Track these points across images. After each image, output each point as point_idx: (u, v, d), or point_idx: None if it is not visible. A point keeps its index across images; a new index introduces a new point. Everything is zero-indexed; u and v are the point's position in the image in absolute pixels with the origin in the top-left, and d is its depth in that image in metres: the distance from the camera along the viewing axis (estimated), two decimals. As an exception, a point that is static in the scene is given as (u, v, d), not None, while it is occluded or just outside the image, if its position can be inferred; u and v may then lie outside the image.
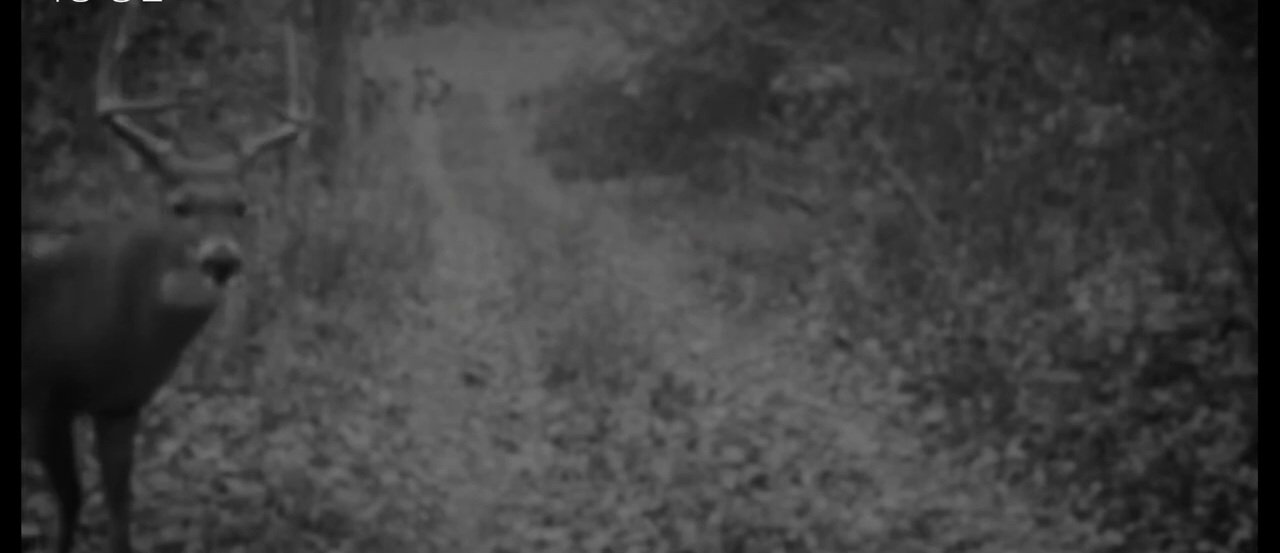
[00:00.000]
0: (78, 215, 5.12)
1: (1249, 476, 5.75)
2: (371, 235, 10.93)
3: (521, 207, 16.17)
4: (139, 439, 5.86)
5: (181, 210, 4.48)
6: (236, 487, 5.84)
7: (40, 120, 7.41)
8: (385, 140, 17.30)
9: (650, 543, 5.92)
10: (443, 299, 11.13)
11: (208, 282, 4.38)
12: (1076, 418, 6.77)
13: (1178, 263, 7.68)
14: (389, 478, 6.34)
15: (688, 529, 5.93)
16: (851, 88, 11.95)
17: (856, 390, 8.36)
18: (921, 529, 6.08)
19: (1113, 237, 8.44)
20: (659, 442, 7.15)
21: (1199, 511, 5.81)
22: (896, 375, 8.25)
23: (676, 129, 17.59)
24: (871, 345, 8.81)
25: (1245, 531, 5.61)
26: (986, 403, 7.37)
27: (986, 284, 8.62)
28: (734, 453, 6.91)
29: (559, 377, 8.45)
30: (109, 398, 4.80)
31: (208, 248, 4.36)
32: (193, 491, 5.74)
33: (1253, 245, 6.81)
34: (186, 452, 6.12)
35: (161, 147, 4.59)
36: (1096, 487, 6.25)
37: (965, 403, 7.48)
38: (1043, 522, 6.21)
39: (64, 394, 4.69)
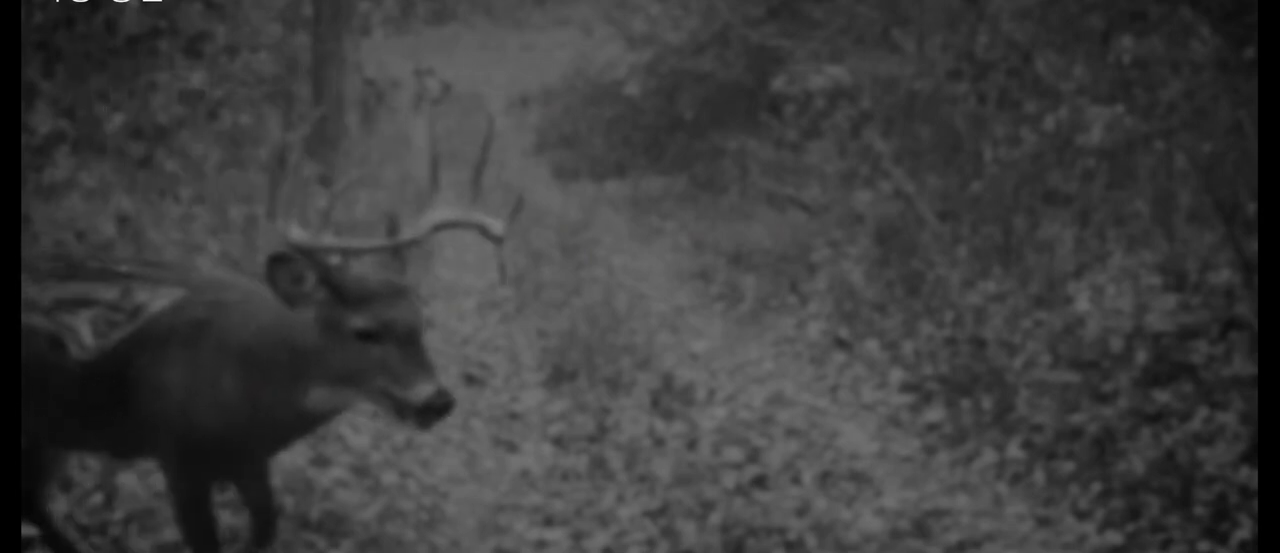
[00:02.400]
0: (184, 270, 4.77)
1: (1249, 476, 5.75)
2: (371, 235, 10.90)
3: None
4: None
5: (368, 336, 4.10)
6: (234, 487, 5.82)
7: (40, 120, 7.39)
8: (385, 140, 17.28)
9: (650, 543, 5.92)
10: (442, 299, 11.12)
11: (411, 423, 4.06)
12: (1076, 418, 6.77)
13: (1178, 263, 7.68)
14: (389, 478, 6.34)
15: (688, 529, 5.93)
16: (851, 88, 11.95)
17: (856, 390, 8.36)
18: (921, 529, 6.08)
19: (1113, 237, 8.43)
20: (659, 442, 7.15)
21: (1199, 511, 5.81)
22: (896, 375, 8.25)
23: (676, 129, 17.58)
24: (871, 345, 8.81)
25: (1245, 531, 5.61)
26: (986, 403, 7.37)
27: (986, 284, 8.62)
28: (734, 453, 6.91)
29: (559, 377, 8.45)
30: (229, 466, 4.59)
31: (425, 392, 4.02)
32: (193, 491, 5.72)
33: (1253, 245, 6.81)
34: (186, 452, 6.10)
35: (334, 258, 4.22)
36: (1096, 487, 6.25)
37: (965, 403, 7.48)
38: (1043, 522, 6.21)
39: (188, 458, 4.45)
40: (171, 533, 5.40)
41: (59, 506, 5.37)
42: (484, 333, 10.03)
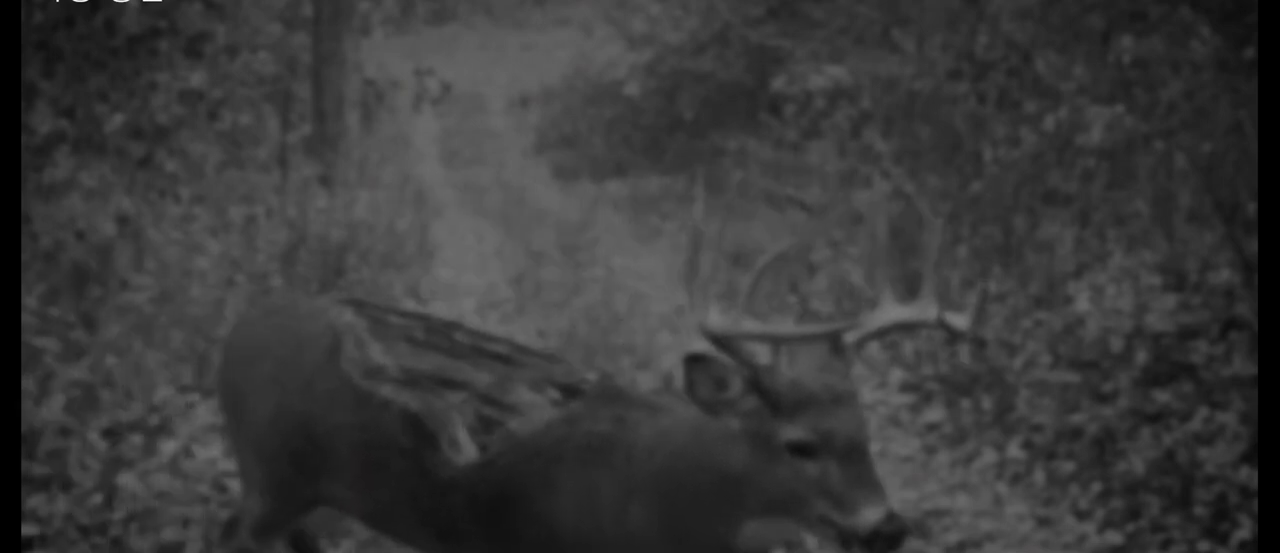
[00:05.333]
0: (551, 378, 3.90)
1: (1249, 476, 5.76)
2: (371, 235, 10.92)
3: (521, 207, 16.16)
4: (140, 439, 5.87)
5: (804, 451, 3.41)
6: (236, 487, 5.82)
7: (40, 120, 7.39)
8: (385, 140, 17.28)
9: (650, 543, 5.91)
10: (443, 299, 11.11)
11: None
12: (1076, 418, 6.77)
13: (1178, 263, 7.68)
14: (389, 478, 6.33)
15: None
16: (851, 88, 11.96)
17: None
18: (921, 529, 6.08)
19: (1113, 237, 8.44)
20: (659, 442, 7.13)
21: (1199, 511, 5.81)
22: (896, 375, 8.25)
23: (676, 129, 17.58)
24: (871, 345, 8.81)
25: (1245, 531, 5.61)
26: (986, 403, 7.37)
27: (986, 284, 8.62)
28: (734, 453, 6.89)
29: (559, 377, 8.44)
30: None
31: (872, 517, 3.31)
32: (193, 491, 5.72)
33: (1253, 245, 6.81)
34: (186, 452, 6.10)
35: (762, 357, 3.53)
36: (1096, 487, 6.25)
37: (965, 403, 7.48)
38: (1043, 522, 6.21)
39: None
40: (171, 533, 5.40)
41: (59, 506, 5.37)
42: (484, 333, 10.01)
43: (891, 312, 3.62)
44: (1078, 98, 8.50)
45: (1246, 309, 6.82)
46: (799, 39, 14.31)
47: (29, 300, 6.40)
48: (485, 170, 19.27)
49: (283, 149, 12.00)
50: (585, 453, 3.65)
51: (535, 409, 3.75)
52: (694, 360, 3.48)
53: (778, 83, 13.24)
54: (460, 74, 18.10)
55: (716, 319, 3.49)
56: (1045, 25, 9.13)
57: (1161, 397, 6.61)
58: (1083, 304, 7.58)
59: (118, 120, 7.80)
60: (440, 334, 4.01)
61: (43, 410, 5.73)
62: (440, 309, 10.64)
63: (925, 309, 3.60)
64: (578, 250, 12.67)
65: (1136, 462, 6.19)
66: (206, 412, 6.70)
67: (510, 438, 3.72)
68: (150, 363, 6.70)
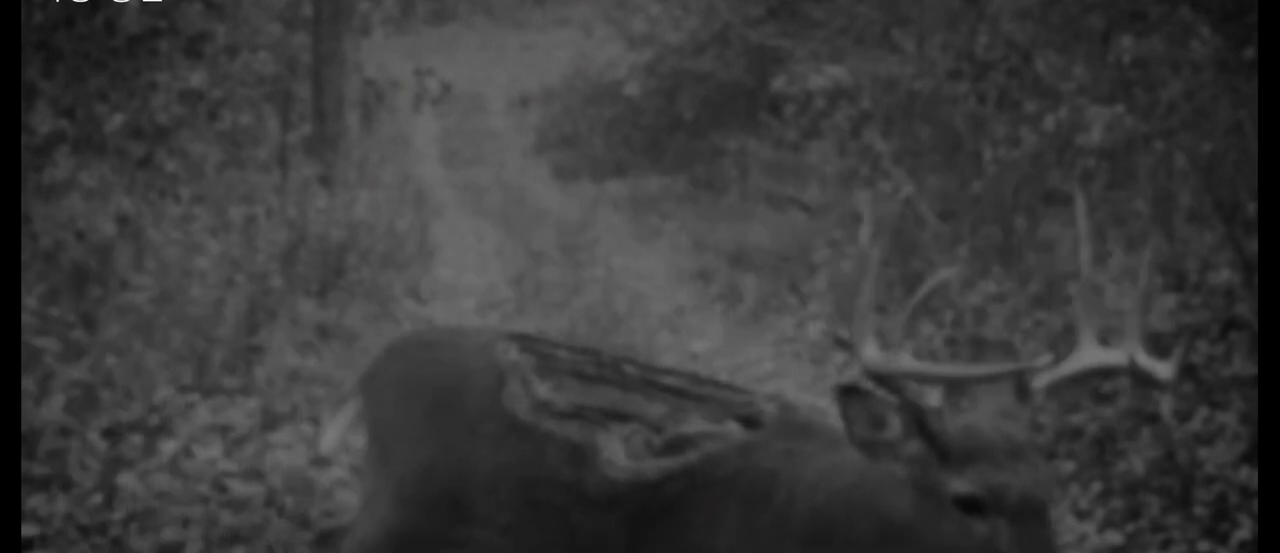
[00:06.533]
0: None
1: (1249, 476, 5.75)
2: (371, 235, 10.92)
3: (521, 207, 16.16)
4: (140, 439, 5.87)
5: (973, 506, 3.09)
6: (236, 487, 5.82)
7: (40, 120, 7.39)
8: (385, 140, 17.28)
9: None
10: (443, 299, 11.11)
11: None
12: (1076, 418, 6.77)
13: (1178, 263, 7.68)
14: (389, 478, 6.33)
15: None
16: (851, 88, 11.95)
17: (856, 391, 8.35)
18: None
19: (1113, 237, 8.43)
20: (659, 442, 7.13)
21: (1199, 511, 5.81)
22: (896, 376, 8.24)
23: (676, 129, 17.59)
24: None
25: (1245, 531, 5.61)
26: (986, 403, 7.36)
27: (986, 284, 8.62)
28: (734, 453, 6.89)
29: (559, 377, 8.44)
30: None
31: None
32: (193, 491, 5.72)
33: (1253, 245, 6.81)
34: (186, 452, 6.10)
35: (931, 398, 3.27)
36: (1096, 487, 6.25)
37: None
38: (1043, 522, 6.20)
39: None
40: (171, 533, 5.40)
41: (59, 506, 5.38)
42: (484, 333, 10.01)
43: (1089, 355, 3.31)
44: (1078, 98, 8.50)
45: (1246, 309, 6.81)
46: (799, 39, 14.31)
47: (29, 300, 6.40)
48: (485, 170, 19.27)
49: (283, 149, 12.01)
50: (752, 490, 3.41)
51: (710, 439, 3.53)
52: (848, 393, 3.21)
53: (778, 83, 13.22)
54: (460, 74, 18.11)
55: (876, 355, 3.25)
56: (1045, 25, 9.13)
57: (1160, 397, 6.61)
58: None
59: (118, 120, 7.80)
60: (611, 369, 3.82)
61: (43, 410, 5.73)
62: (440, 309, 10.65)
63: (1126, 354, 3.29)
64: (578, 250, 12.67)
65: (1136, 462, 6.19)
66: (206, 412, 6.70)
67: (682, 464, 3.51)
68: (150, 363, 6.70)
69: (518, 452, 3.72)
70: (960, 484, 3.08)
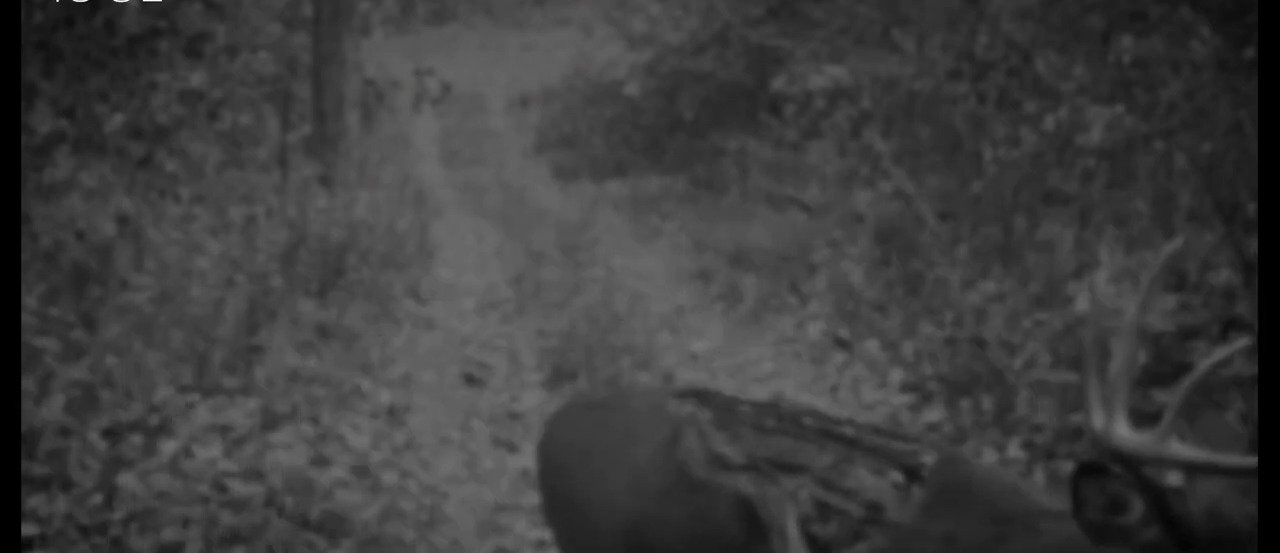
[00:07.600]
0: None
1: (1249, 476, 5.74)
2: (371, 235, 10.93)
3: (521, 207, 16.17)
4: (140, 439, 5.87)
5: None
6: (236, 487, 5.83)
7: (40, 120, 7.40)
8: (385, 140, 17.29)
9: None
10: (443, 299, 11.12)
11: None
12: (1076, 418, 6.77)
13: (1178, 263, 7.68)
14: (389, 478, 6.33)
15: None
16: (851, 88, 11.97)
17: (857, 391, 8.36)
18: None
19: (1113, 236, 8.44)
20: (659, 442, 7.13)
21: (1199, 510, 5.80)
22: (896, 375, 8.25)
23: (676, 129, 17.59)
24: (871, 345, 8.81)
25: (1245, 531, 5.60)
26: (986, 403, 7.37)
27: (986, 284, 8.62)
28: (734, 453, 6.89)
29: (559, 377, 8.45)
30: None
31: None
32: (193, 491, 5.73)
33: (1253, 245, 6.81)
34: (186, 452, 6.11)
35: (1171, 478, 2.92)
36: (1096, 487, 6.24)
37: (965, 403, 7.48)
38: (1043, 522, 6.20)
39: None
40: (171, 533, 5.41)
41: (59, 506, 5.38)
42: (484, 333, 10.03)
43: None
44: (1078, 98, 8.51)
45: (1246, 309, 6.82)
46: (799, 39, 14.31)
47: (29, 300, 6.40)
48: (485, 170, 19.28)
49: (283, 149, 12.01)
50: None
51: (871, 492, 3.35)
52: (1086, 473, 2.88)
53: (778, 83, 13.24)
54: (460, 74, 18.12)
55: (1129, 435, 2.93)
56: (1045, 25, 9.14)
57: (1161, 397, 6.61)
58: (1083, 304, 7.57)
59: (118, 120, 7.81)
60: (790, 420, 3.67)
61: (43, 410, 5.74)
62: (440, 309, 10.66)
63: None
64: (578, 250, 12.67)
65: (1136, 462, 6.18)
66: (206, 412, 6.71)
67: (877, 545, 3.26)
68: (150, 363, 6.71)
69: (688, 506, 3.57)
70: None
